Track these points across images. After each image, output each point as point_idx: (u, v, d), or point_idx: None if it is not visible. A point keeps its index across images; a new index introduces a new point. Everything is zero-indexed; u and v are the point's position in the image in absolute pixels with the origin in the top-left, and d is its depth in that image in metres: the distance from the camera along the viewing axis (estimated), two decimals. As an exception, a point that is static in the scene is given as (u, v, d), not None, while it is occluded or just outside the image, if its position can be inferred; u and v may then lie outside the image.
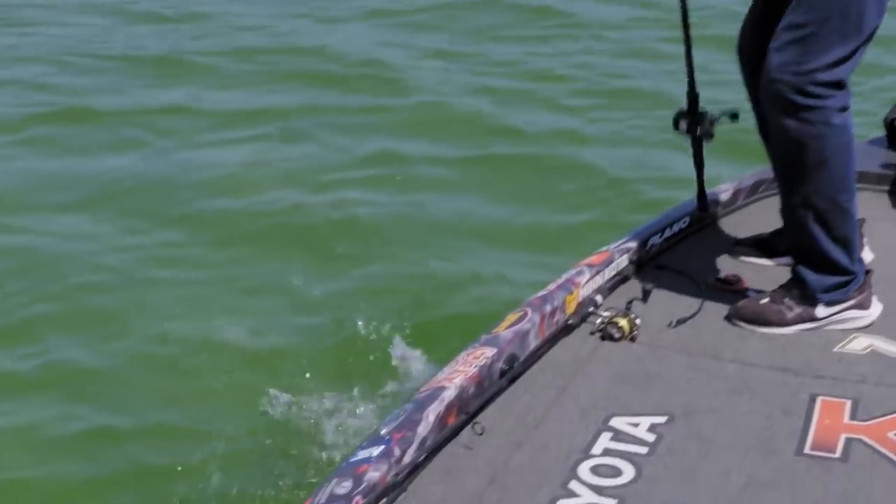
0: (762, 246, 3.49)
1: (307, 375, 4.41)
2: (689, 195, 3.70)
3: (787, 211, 3.13)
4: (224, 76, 7.91)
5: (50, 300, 5.05)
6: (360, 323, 4.66)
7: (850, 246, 3.08)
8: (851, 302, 3.09)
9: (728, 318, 3.12)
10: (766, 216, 3.62)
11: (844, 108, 2.95)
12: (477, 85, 7.81)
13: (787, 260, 3.37)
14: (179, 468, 3.94)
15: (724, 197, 3.73)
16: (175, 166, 6.49)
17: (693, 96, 3.33)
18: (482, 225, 5.78)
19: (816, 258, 3.08)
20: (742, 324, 3.10)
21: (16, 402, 4.36)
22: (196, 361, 4.57)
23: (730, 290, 3.25)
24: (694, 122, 3.34)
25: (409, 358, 4.38)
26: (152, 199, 6.10)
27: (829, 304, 3.09)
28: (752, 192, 3.83)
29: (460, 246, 5.53)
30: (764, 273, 3.36)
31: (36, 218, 5.86)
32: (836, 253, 3.06)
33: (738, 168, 4.34)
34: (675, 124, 3.36)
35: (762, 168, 3.89)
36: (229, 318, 4.89)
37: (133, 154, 6.67)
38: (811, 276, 3.09)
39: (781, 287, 3.13)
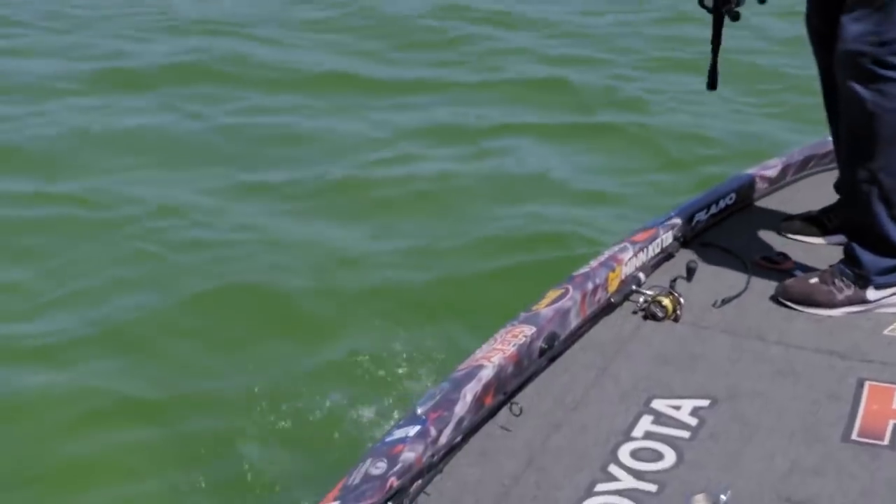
0: (812, 223, 3.40)
1: (376, 335, 4.43)
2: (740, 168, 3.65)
3: (849, 186, 3.03)
4: (294, 41, 7.89)
5: (103, 263, 5.10)
6: (427, 279, 4.73)
7: None
8: None
9: (775, 297, 3.05)
10: (816, 193, 3.54)
11: None
12: (547, 54, 7.77)
13: (838, 238, 3.28)
14: (225, 437, 3.94)
15: (772, 172, 3.64)
16: (233, 129, 6.53)
17: None
18: (558, 186, 5.80)
19: (874, 238, 2.98)
20: (789, 303, 3.02)
21: (68, 368, 4.38)
22: (258, 327, 4.60)
23: (777, 269, 3.18)
24: None
25: (482, 309, 4.36)
26: (214, 162, 6.14)
27: (880, 286, 3.00)
28: (801, 167, 3.74)
29: (537, 209, 5.54)
30: (813, 252, 3.28)
31: (88, 180, 5.91)
32: None
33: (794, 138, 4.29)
34: (701, 0, 3.16)
35: (812, 143, 3.81)
36: (302, 280, 4.93)
37: (199, 117, 6.73)
38: (866, 257, 3.00)
39: (832, 267, 3.05)
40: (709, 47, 3.14)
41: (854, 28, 2.83)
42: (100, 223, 5.48)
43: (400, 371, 4.21)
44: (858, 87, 2.85)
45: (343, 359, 4.33)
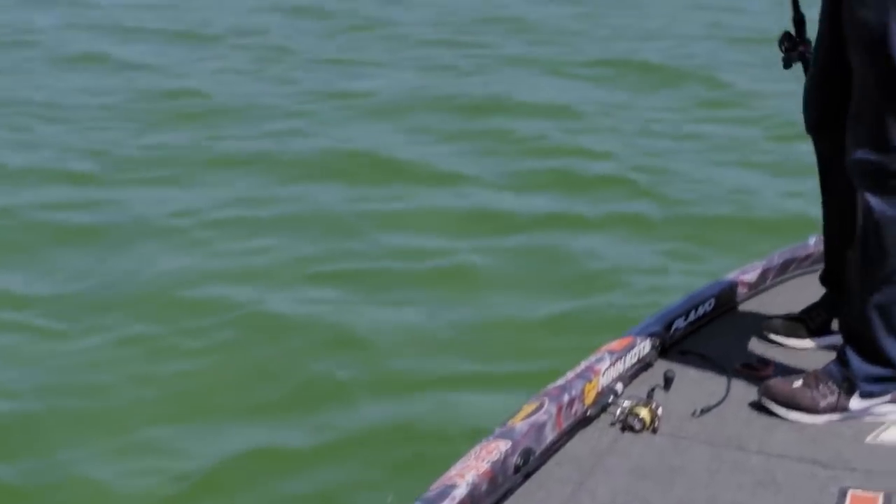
0: (794, 323, 3.37)
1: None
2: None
3: (850, 291, 3.00)
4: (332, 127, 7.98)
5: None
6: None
7: None
8: (888, 397, 2.97)
9: (756, 402, 3.01)
10: (796, 297, 3.52)
11: None
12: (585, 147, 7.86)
13: (822, 340, 3.26)
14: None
15: (751, 277, 3.62)
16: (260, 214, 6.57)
17: (798, 18, 3.15)
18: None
19: (867, 346, 2.95)
20: (770, 404, 2.98)
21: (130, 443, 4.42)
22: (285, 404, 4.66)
23: (757, 376, 3.14)
24: (793, 43, 3.15)
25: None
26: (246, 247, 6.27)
27: (865, 395, 2.95)
28: (781, 271, 3.72)
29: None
30: (794, 356, 3.25)
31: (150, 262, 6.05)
32: (890, 346, 2.93)
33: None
34: (780, 44, 3.17)
35: (791, 246, 3.80)
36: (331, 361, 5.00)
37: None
38: (856, 361, 2.96)
39: (817, 370, 3.01)
40: None
41: (856, 146, 2.85)
42: (162, 305, 5.57)
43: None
44: (868, 195, 2.85)
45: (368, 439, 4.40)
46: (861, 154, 2.86)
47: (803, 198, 6.59)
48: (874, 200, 2.85)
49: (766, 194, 7.13)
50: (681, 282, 5.50)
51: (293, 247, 6.30)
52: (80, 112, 8.60)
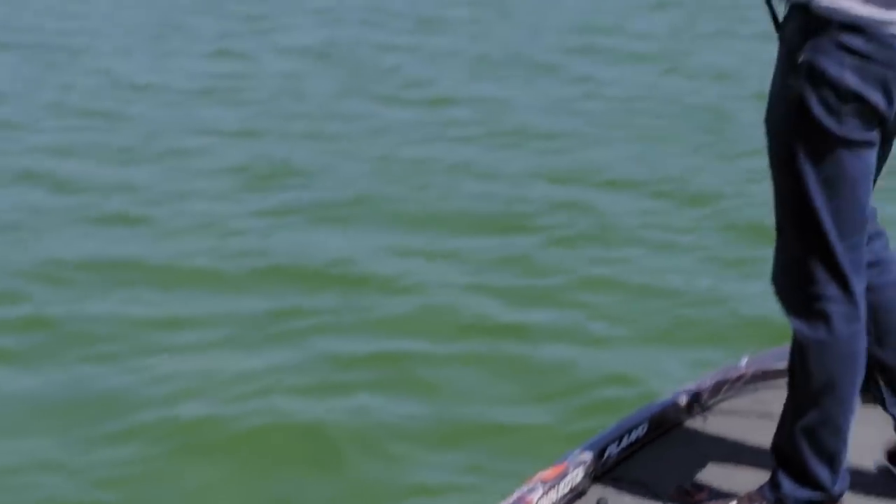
0: None
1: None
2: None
3: (781, 414, 3.02)
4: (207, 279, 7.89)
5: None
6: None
7: (834, 463, 2.96)
8: None
9: None
10: (729, 419, 3.54)
11: (852, 318, 2.87)
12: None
13: None
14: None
15: (683, 400, 3.63)
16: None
17: None
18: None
19: (797, 469, 2.97)
20: None
21: None
22: None
23: (692, 501, 3.14)
24: None
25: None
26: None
27: None
28: (713, 393, 3.73)
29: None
30: (728, 480, 3.25)
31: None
32: (819, 470, 2.95)
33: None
34: None
35: (723, 367, 3.83)
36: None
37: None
38: (787, 484, 2.98)
39: (752, 492, 3.03)
40: None
41: (780, 261, 2.89)
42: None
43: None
44: (792, 318, 2.90)
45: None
46: (781, 277, 2.90)
47: (757, 301, 6.64)
48: (797, 323, 2.89)
49: (725, 298, 7.17)
50: (642, 391, 5.56)
51: (252, 360, 6.31)
52: (16, 231, 8.57)
